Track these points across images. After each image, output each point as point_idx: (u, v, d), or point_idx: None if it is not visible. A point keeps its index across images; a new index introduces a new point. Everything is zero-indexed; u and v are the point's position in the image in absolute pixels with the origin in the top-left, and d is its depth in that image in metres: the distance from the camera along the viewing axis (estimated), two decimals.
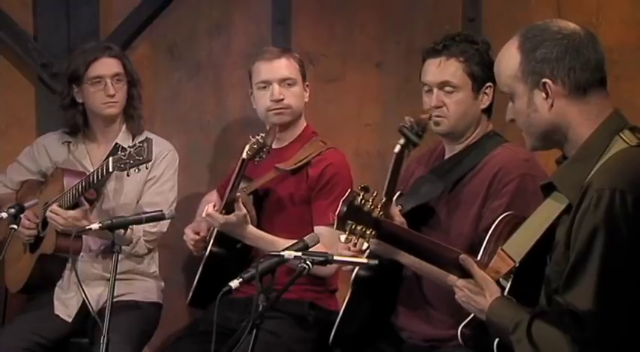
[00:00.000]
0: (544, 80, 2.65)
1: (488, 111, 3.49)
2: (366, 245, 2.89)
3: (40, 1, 4.74)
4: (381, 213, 2.84)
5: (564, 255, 2.61)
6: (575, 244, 2.56)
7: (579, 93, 2.66)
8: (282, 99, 3.96)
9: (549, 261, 2.70)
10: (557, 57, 2.64)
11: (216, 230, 3.96)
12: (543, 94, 2.66)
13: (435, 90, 3.44)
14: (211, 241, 3.98)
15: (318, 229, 3.84)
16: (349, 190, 2.85)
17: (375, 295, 3.49)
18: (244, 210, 3.84)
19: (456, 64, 3.42)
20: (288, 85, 3.97)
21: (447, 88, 3.43)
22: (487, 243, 2.95)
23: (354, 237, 2.85)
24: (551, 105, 2.65)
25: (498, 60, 2.76)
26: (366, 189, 2.85)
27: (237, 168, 3.81)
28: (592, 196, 2.53)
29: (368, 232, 2.83)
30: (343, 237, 2.84)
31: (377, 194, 2.82)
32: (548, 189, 2.74)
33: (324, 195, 3.92)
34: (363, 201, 2.82)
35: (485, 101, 3.45)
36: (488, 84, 3.43)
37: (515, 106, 2.72)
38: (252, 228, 3.88)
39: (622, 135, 2.64)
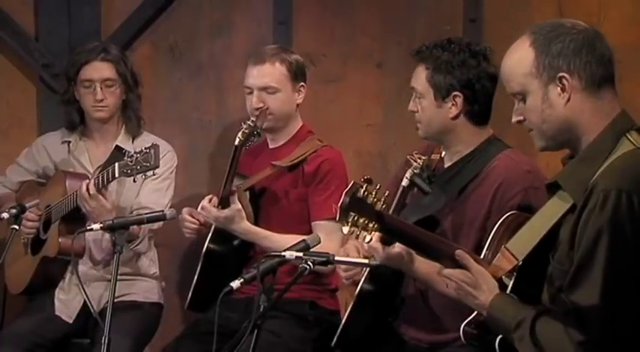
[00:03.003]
0: (561, 74, 2.63)
1: (471, 118, 3.39)
2: (368, 237, 2.86)
3: (42, 1, 4.73)
4: (384, 206, 2.82)
5: (568, 255, 2.61)
6: (581, 244, 2.55)
7: (594, 89, 2.65)
8: (262, 107, 3.94)
9: (552, 259, 2.69)
10: (574, 51, 2.63)
11: (212, 228, 3.96)
12: (559, 89, 2.64)
13: (414, 95, 3.46)
14: (207, 240, 3.98)
15: (316, 224, 3.86)
16: (352, 182, 2.83)
17: (379, 302, 3.49)
18: (239, 205, 3.85)
19: (422, 70, 3.40)
20: (269, 92, 3.96)
21: (416, 94, 3.42)
22: (491, 240, 2.95)
23: (356, 230, 2.82)
24: (567, 100, 2.64)
25: (507, 60, 2.72)
26: (369, 182, 2.83)
27: (230, 157, 3.82)
28: (598, 197, 2.53)
29: (371, 225, 2.81)
30: (345, 229, 2.82)
31: (380, 187, 2.81)
32: (553, 188, 2.73)
33: (319, 190, 3.92)
34: (366, 193, 2.79)
35: (453, 110, 3.36)
36: (455, 93, 3.35)
37: (527, 104, 2.69)
38: (246, 224, 3.88)
39: (629, 137, 2.64)
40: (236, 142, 3.82)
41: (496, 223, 3.01)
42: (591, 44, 2.65)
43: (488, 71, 3.37)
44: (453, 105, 3.37)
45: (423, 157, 3.41)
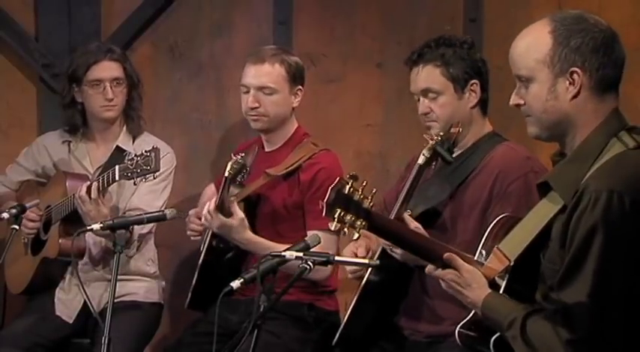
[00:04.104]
0: (574, 69, 2.61)
1: (482, 108, 3.51)
2: (356, 235, 2.84)
3: (42, 1, 4.74)
4: (371, 204, 2.80)
5: (558, 254, 2.61)
6: (572, 244, 2.55)
7: (600, 91, 2.63)
8: (257, 107, 3.93)
9: (543, 258, 2.69)
10: (593, 49, 2.61)
11: (208, 238, 3.93)
12: (567, 83, 2.62)
13: (421, 98, 3.50)
14: (204, 250, 3.96)
15: (312, 233, 3.83)
16: (338, 178, 2.80)
17: (383, 298, 3.50)
18: (242, 214, 3.80)
19: (433, 69, 3.46)
20: (266, 93, 3.93)
21: (430, 95, 3.48)
22: (484, 242, 2.95)
23: (343, 226, 2.79)
24: (574, 96, 2.62)
25: (522, 41, 2.68)
26: (354, 178, 2.80)
27: (221, 186, 3.76)
28: (589, 198, 2.52)
29: (358, 223, 2.79)
30: (332, 226, 2.80)
31: (367, 184, 2.78)
32: (544, 189, 2.73)
33: (316, 199, 3.85)
34: (352, 189, 2.76)
35: (472, 99, 3.48)
36: (472, 81, 3.46)
37: (532, 91, 2.66)
38: (249, 234, 3.83)
39: (620, 138, 2.62)
40: (226, 174, 3.73)
41: (490, 224, 3.00)
42: (610, 46, 2.63)
43: (483, 58, 3.53)
44: (471, 92, 3.46)
45: (441, 133, 3.42)
